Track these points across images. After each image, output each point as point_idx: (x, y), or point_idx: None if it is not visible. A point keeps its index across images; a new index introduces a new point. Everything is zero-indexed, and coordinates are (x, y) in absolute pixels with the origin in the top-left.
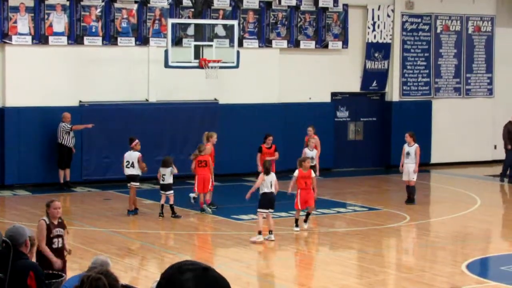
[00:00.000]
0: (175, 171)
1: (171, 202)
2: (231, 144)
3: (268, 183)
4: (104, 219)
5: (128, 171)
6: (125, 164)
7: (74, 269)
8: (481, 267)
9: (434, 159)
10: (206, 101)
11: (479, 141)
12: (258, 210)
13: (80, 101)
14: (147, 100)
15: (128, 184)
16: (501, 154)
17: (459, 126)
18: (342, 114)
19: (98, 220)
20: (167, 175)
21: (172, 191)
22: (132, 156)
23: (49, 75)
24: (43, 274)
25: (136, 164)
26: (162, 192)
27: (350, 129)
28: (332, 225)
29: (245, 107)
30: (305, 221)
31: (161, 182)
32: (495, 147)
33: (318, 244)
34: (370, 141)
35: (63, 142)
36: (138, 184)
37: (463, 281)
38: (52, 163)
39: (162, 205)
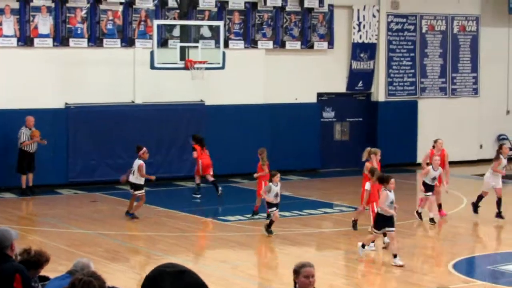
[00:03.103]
0: None
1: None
2: (217, 145)
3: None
4: (91, 221)
5: (131, 178)
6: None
7: (61, 271)
8: (468, 267)
9: (420, 158)
10: (192, 103)
11: (465, 141)
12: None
13: (66, 103)
14: (133, 102)
15: (131, 191)
16: (486, 154)
17: (444, 125)
18: (328, 114)
19: (84, 222)
20: None
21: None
22: (136, 164)
23: (35, 77)
24: (29, 277)
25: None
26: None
27: (336, 130)
28: (319, 226)
29: (231, 108)
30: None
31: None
32: (481, 146)
33: (305, 244)
34: (356, 141)
35: (24, 147)
36: (138, 192)
37: (450, 280)
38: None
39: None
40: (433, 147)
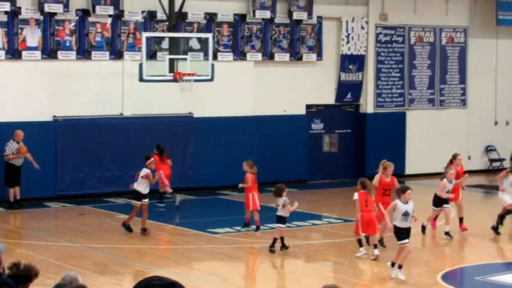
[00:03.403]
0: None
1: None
2: (206, 157)
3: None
4: (79, 234)
5: (135, 186)
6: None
7: (49, 284)
8: (456, 278)
9: (408, 170)
10: (181, 115)
11: (453, 152)
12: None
13: (54, 116)
14: (121, 114)
15: (132, 202)
16: (475, 165)
17: (433, 137)
18: (317, 126)
19: (72, 235)
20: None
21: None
22: (142, 172)
23: (23, 90)
24: None
25: (140, 180)
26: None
27: (325, 141)
28: (307, 237)
29: (220, 120)
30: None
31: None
32: (469, 157)
33: (294, 256)
34: (345, 153)
35: (10, 161)
36: (139, 202)
37: None
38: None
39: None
40: (451, 162)
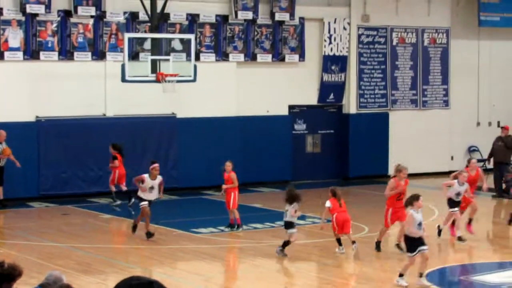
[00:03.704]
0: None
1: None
2: (189, 157)
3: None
4: (63, 234)
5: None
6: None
7: (33, 284)
8: (440, 277)
9: (391, 170)
10: (164, 115)
11: (436, 153)
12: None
13: (37, 117)
14: (104, 115)
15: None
16: (457, 165)
17: (416, 137)
18: (300, 126)
19: (56, 235)
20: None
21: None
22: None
23: (5, 91)
24: None
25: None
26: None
27: (308, 142)
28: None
29: (203, 121)
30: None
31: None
32: (452, 158)
33: (277, 256)
34: (327, 154)
35: None
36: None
37: None
38: None
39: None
40: (467, 166)
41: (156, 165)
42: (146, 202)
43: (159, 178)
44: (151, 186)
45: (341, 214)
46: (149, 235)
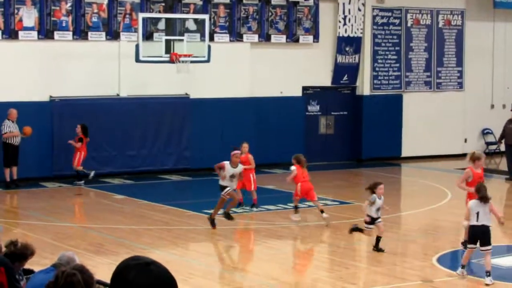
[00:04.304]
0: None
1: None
2: (202, 138)
3: None
4: (75, 215)
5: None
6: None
7: (46, 265)
8: (452, 260)
9: (404, 152)
10: (177, 96)
11: (449, 135)
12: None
13: (51, 96)
14: (118, 95)
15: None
16: (471, 148)
17: (429, 119)
18: (313, 108)
19: (69, 215)
20: None
21: None
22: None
23: (19, 70)
24: (13, 270)
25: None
26: None
27: (321, 123)
28: (303, 219)
29: (216, 102)
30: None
31: None
32: (466, 140)
33: (290, 238)
34: (341, 135)
35: (7, 140)
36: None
37: (434, 274)
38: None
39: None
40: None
41: (238, 152)
42: (228, 188)
43: (240, 167)
44: (231, 175)
45: (305, 183)
46: (228, 216)
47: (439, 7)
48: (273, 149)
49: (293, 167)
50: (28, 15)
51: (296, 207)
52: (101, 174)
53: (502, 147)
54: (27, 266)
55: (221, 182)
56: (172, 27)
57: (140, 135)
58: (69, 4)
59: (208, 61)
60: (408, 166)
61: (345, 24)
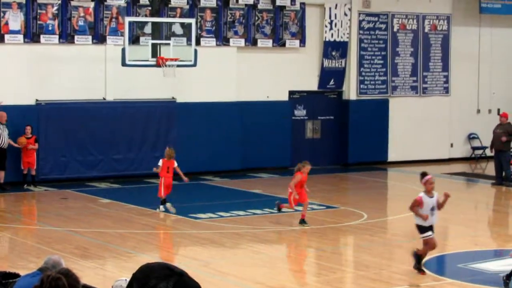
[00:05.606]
0: None
1: None
2: (188, 143)
3: None
4: (61, 218)
5: None
6: None
7: (31, 268)
8: (438, 265)
9: (391, 157)
10: (163, 100)
11: (435, 140)
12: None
13: (37, 100)
14: (104, 99)
15: None
16: (457, 153)
17: (416, 124)
18: (300, 112)
19: (55, 219)
20: None
21: None
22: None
23: (5, 74)
24: None
25: None
26: None
27: (307, 128)
28: (290, 223)
29: (203, 106)
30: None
31: None
32: (452, 145)
33: (276, 242)
34: (327, 140)
35: None
36: None
37: (420, 278)
38: None
39: None
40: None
41: (430, 176)
42: (430, 233)
43: (435, 194)
44: (431, 208)
45: (168, 178)
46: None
47: (425, 12)
48: (259, 154)
49: (160, 161)
50: (14, 19)
51: (163, 201)
52: (87, 177)
53: (489, 152)
54: (12, 269)
55: (419, 222)
56: (159, 31)
57: (126, 139)
58: (55, 8)
59: (194, 65)
60: (394, 170)
61: (331, 28)
